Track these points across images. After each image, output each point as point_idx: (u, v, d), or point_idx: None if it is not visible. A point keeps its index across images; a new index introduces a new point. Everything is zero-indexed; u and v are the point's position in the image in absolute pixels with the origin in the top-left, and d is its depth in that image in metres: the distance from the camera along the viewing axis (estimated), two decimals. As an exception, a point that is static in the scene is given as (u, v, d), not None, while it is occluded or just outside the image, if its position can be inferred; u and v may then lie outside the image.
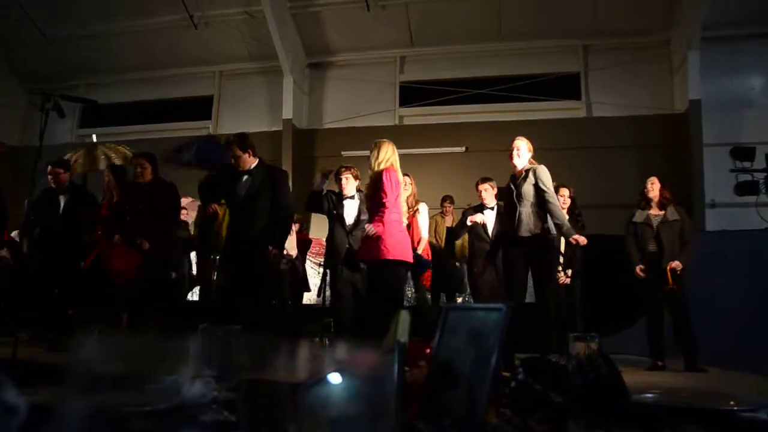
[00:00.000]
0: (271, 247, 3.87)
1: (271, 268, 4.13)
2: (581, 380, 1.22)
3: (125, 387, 0.93)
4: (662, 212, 4.33)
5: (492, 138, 7.95)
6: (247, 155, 3.97)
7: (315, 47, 9.36)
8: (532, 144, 4.05)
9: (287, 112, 8.97)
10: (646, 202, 4.39)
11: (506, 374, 1.32)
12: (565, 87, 8.61)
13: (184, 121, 9.74)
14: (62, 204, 4.78)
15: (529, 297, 4.11)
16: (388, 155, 3.78)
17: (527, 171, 3.85)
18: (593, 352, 1.38)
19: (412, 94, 9.15)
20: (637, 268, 4.29)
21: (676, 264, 4.13)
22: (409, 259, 3.74)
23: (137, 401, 0.92)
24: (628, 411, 1.22)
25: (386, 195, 3.64)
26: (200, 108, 9.85)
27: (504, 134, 7.79)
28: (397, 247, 3.63)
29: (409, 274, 4.38)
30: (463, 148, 8.58)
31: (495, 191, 4.99)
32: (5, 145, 9.89)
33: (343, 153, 8.68)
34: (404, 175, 5.11)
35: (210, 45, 9.36)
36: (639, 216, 4.39)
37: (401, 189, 3.78)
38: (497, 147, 6.68)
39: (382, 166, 3.74)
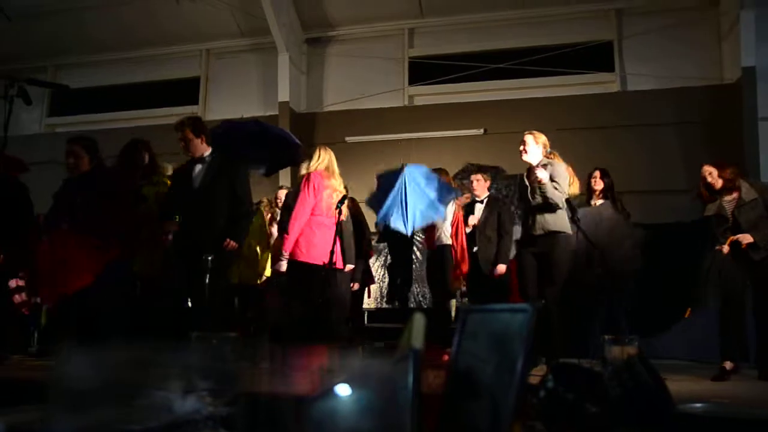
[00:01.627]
0: (228, 240, 3.87)
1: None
2: (618, 389, 1.22)
3: (112, 403, 0.95)
4: (735, 195, 4.26)
5: (514, 118, 7.90)
6: (199, 141, 4.02)
7: (313, 20, 9.35)
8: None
9: (283, 94, 8.98)
10: (711, 194, 4.33)
11: (535, 377, 1.33)
12: (596, 57, 8.51)
13: (167, 107, 9.77)
14: None
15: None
16: (320, 160, 4.27)
17: (543, 166, 4.11)
18: (632, 357, 1.38)
19: (422, 71, 9.11)
20: (723, 248, 4.22)
21: (742, 236, 4.12)
22: (322, 261, 4.05)
23: (125, 419, 0.94)
24: (673, 423, 1.22)
25: (299, 203, 4.13)
26: (185, 91, 9.87)
27: (527, 113, 7.82)
28: (311, 250, 4.09)
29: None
30: (482, 130, 8.55)
31: (488, 183, 5.49)
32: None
33: (347, 139, 8.71)
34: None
35: (195, 20, 9.37)
36: (710, 209, 4.34)
37: (323, 192, 4.19)
38: (520, 128, 6.62)
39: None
